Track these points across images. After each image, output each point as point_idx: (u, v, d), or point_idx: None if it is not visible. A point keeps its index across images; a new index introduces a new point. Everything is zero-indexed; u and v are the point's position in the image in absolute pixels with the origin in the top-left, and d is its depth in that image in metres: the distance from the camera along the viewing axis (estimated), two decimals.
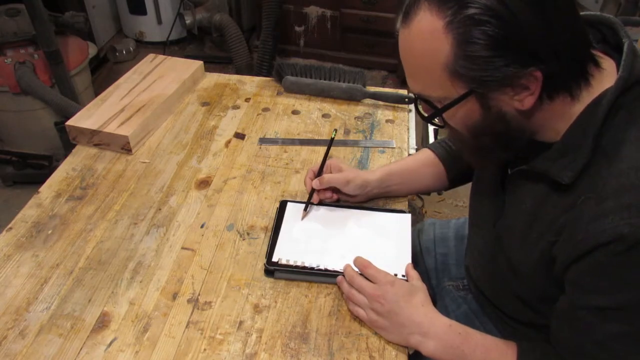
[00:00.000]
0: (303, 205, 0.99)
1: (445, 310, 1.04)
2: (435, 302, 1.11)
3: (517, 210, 0.76)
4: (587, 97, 0.65)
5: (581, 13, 0.66)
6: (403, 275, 0.86)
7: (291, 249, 0.91)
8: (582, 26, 0.64)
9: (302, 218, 0.97)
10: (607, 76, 0.66)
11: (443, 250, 1.13)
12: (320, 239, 0.94)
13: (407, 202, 1.04)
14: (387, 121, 1.26)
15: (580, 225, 0.63)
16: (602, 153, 0.63)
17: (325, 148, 1.05)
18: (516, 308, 0.86)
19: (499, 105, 0.65)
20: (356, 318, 0.82)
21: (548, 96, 0.64)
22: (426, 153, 1.04)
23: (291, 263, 0.88)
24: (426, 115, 0.72)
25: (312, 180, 0.98)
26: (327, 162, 1.00)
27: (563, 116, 0.66)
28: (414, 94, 0.71)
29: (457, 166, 1.01)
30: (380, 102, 1.31)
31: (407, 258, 0.90)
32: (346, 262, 0.87)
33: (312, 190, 0.98)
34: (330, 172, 0.99)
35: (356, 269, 0.85)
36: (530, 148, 0.71)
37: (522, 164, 0.73)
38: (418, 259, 1.15)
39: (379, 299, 0.79)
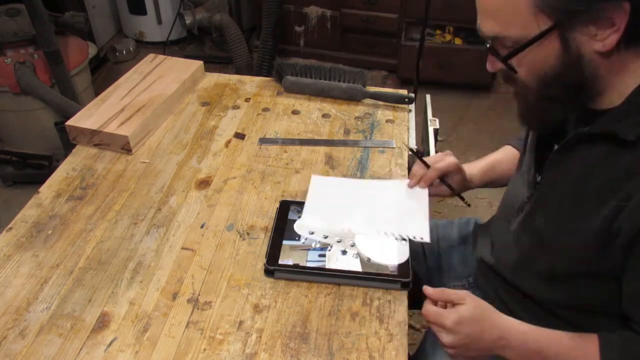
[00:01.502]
0: (330, 179, 1.06)
1: None
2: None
3: (559, 185, 0.75)
4: None
5: None
6: (421, 238, 0.91)
7: (318, 215, 0.96)
8: None
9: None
10: None
11: (446, 250, 1.13)
12: (345, 206, 0.99)
13: None
14: (387, 121, 1.26)
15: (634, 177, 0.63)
16: None
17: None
18: (536, 287, 0.84)
19: (579, 46, 0.64)
20: (356, 318, 0.82)
21: (629, 41, 0.63)
22: (509, 148, 1.06)
23: (295, 263, 0.89)
24: (504, 55, 0.69)
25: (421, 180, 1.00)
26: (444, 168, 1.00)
27: (633, 74, 0.66)
28: (488, 38, 0.70)
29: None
30: (380, 102, 1.31)
31: (426, 224, 0.94)
32: (368, 225, 0.93)
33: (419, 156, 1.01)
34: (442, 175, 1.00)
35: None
36: (586, 116, 0.71)
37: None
38: (420, 259, 1.15)
39: (459, 341, 0.77)
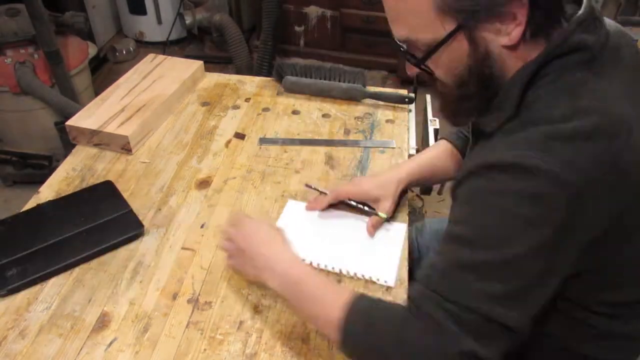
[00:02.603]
0: (304, 205, 1.00)
1: None
2: None
3: None
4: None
5: None
6: (386, 281, 0.86)
7: None
8: None
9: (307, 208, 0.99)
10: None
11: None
12: (315, 239, 0.94)
13: (407, 202, 1.04)
14: (387, 121, 1.26)
15: (471, 158, 0.66)
16: (524, 108, 0.66)
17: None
18: None
19: (487, 43, 0.65)
20: None
21: (535, 30, 0.64)
22: (443, 143, 1.04)
23: None
24: (417, 59, 0.71)
25: (323, 205, 0.99)
26: (355, 198, 0.99)
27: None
28: (400, 42, 0.71)
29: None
30: (380, 102, 1.31)
31: (394, 266, 0.89)
32: (335, 262, 0.88)
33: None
34: (365, 204, 0.99)
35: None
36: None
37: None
38: (416, 258, 1.15)
39: (236, 236, 0.82)
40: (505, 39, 0.64)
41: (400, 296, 0.85)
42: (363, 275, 0.88)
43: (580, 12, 0.66)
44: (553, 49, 0.65)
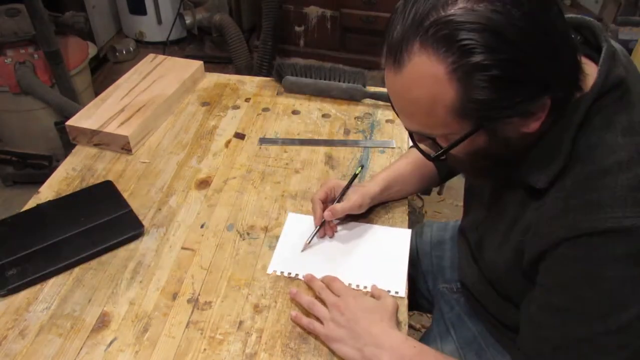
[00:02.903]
0: (306, 218, 0.98)
1: (439, 313, 1.04)
2: (432, 305, 1.11)
3: (500, 218, 0.76)
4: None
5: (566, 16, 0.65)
6: (397, 292, 0.86)
7: (289, 259, 0.91)
8: (573, 39, 0.63)
9: (303, 249, 0.92)
10: (590, 81, 0.64)
11: (439, 253, 1.13)
12: (318, 251, 0.93)
13: (407, 202, 1.04)
14: (387, 121, 1.26)
15: (545, 222, 0.64)
16: (576, 157, 0.63)
17: (347, 182, 0.99)
18: (501, 311, 0.86)
19: (505, 132, 0.63)
20: None
21: (550, 114, 0.63)
22: (416, 152, 1.03)
23: (290, 273, 0.89)
24: (431, 155, 0.68)
25: (321, 212, 0.93)
26: (327, 184, 0.97)
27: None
28: (411, 131, 0.68)
29: (447, 165, 1.01)
30: (380, 102, 1.31)
31: (403, 275, 0.88)
32: (341, 274, 0.87)
33: (323, 222, 0.94)
34: (334, 197, 0.96)
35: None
36: None
37: None
38: (415, 262, 1.15)
39: (340, 308, 0.78)
40: (525, 129, 0.62)
41: (403, 302, 0.85)
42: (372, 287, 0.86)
43: (605, 47, 0.64)
44: (595, 94, 0.62)
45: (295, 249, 0.93)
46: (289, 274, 0.89)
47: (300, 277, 0.88)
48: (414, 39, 0.57)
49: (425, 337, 1.04)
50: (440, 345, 0.98)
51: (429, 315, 1.75)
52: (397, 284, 0.87)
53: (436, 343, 0.99)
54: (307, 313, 0.82)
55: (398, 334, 0.77)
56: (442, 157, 0.67)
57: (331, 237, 0.95)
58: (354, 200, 0.94)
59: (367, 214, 0.99)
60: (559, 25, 0.59)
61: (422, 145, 0.71)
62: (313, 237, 0.93)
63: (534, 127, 0.62)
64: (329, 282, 0.84)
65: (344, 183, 0.98)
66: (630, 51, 2.09)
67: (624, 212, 0.57)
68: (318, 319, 0.80)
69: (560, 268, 0.63)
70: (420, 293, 1.15)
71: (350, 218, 0.98)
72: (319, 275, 0.87)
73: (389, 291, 0.85)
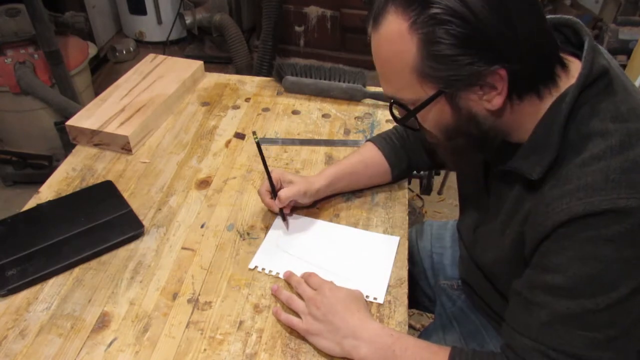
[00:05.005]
0: (292, 220, 0.99)
1: (441, 307, 1.05)
2: (434, 302, 1.11)
3: (499, 211, 0.77)
4: (555, 96, 0.67)
5: (547, 17, 0.67)
6: (375, 298, 0.85)
7: (272, 258, 0.91)
8: (547, 28, 0.65)
9: (288, 228, 0.96)
10: (573, 76, 0.67)
11: (439, 251, 1.14)
12: (303, 251, 0.93)
13: (407, 203, 1.04)
14: (387, 121, 1.26)
15: (542, 209, 0.65)
16: (569, 146, 0.65)
17: (264, 163, 0.97)
18: (503, 307, 0.85)
19: (468, 105, 0.66)
20: None
21: (517, 96, 0.65)
22: (371, 149, 1.03)
23: (272, 270, 0.89)
24: (400, 117, 0.73)
25: (272, 201, 0.96)
26: (273, 175, 0.97)
27: (532, 116, 0.68)
28: (388, 98, 0.72)
29: (400, 164, 1.02)
30: (380, 102, 1.31)
31: (384, 282, 0.88)
32: (322, 276, 0.86)
33: (281, 210, 0.97)
34: (281, 185, 0.97)
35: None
36: (506, 150, 0.72)
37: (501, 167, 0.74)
38: (415, 260, 1.15)
39: (317, 302, 0.79)
40: (488, 104, 0.65)
41: (387, 314, 0.85)
42: None
43: (587, 40, 0.67)
44: (581, 84, 0.64)
45: (280, 247, 0.93)
46: (270, 271, 0.89)
47: (280, 275, 0.89)
48: (391, 0, 0.64)
49: (427, 329, 1.05)
50: (443, 335, 0.99)
51: (429, 315, 1.75)
52: (377, 290, 0.86)
53: (438, 334, 0.99)
54: (288, 309, 0.83)
55: (375, 324, 0.78)
56: (413, 126, 0.72)
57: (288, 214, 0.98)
58: (297, 188, 0.95)
59: (366, 214, 0.99)
60: (523, 5, 0.62)
61: (395, 112, 0.74)
62: (285, 217, 0.97)
63: (497, 104, 0.64)
64: (307, 277, 0.85)
65: (288, 172, 0.99)
66: (630, 51, 2.09)
67: (618, 193, 0.59)
68: (297, 314, 0.81)
69: (556, 249, 0.64)
70: (421, 290, 1.15)
71: (344, 221, 0.99)
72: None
73: (367, 297, 0.85)
